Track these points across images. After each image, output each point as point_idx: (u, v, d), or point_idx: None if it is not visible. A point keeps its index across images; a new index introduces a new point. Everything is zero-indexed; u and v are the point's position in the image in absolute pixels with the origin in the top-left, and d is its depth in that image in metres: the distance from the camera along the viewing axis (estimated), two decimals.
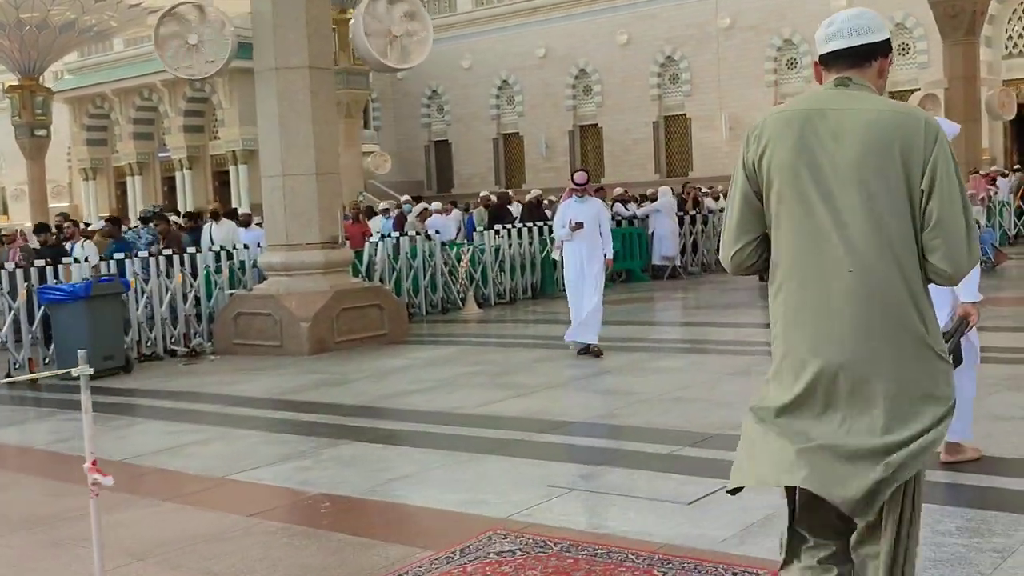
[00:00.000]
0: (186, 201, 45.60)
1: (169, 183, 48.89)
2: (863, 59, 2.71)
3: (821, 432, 2.53)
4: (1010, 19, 37.99)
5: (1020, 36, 37.96)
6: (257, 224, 16.00)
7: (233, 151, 51.94)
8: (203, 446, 7.26)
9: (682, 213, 20.14)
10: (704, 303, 15.77)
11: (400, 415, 7.89)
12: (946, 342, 3.90)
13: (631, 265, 19.16)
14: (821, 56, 2.77)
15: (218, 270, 13.01)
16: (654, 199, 20.16)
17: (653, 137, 46.48)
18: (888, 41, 2.74)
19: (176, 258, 12.43)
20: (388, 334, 12.21)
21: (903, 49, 40.24)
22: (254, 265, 13.17)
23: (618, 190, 21.68)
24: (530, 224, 17.43)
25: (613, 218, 19.29)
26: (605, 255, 10.52)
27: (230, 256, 13.34)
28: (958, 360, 4.76)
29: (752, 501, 4.58)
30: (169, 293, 12.27)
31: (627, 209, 19.96)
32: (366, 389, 9.15)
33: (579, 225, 10.23)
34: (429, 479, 5.94)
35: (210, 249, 13.63)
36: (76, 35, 33.74)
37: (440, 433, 7.16)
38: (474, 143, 52.23)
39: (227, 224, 15.70)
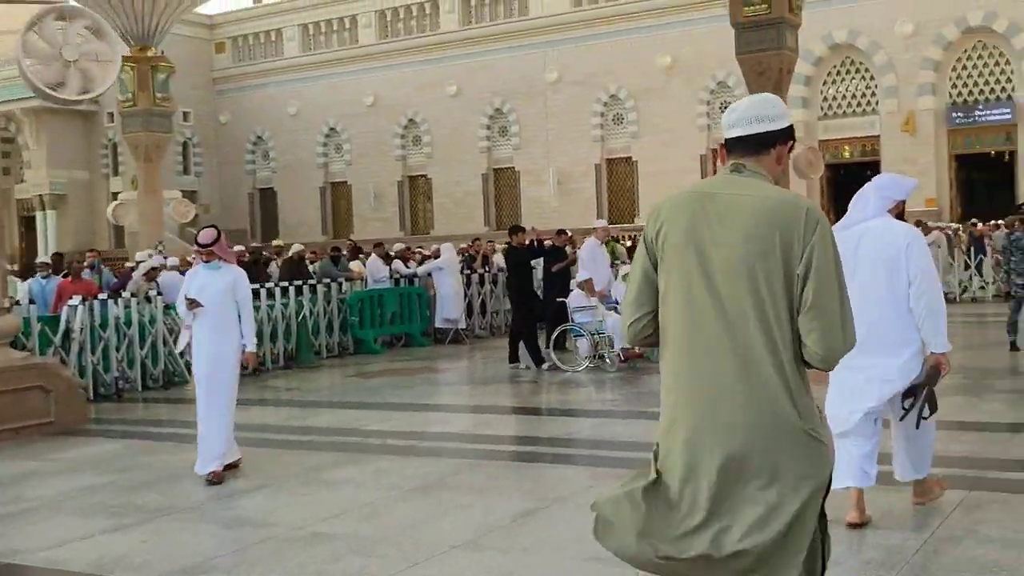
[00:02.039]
0: None
1: None
2: (761, 146, 2.85)
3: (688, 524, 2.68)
4: (825, 81, 38.36)
5: (834, 98, 38.35)
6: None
7: (40, 195, 48.52)
8: None
9: (469, 271, 18.53)
10: (464, 377, 14.08)
11: None
12: (920, 391, 4.93)
13: (410, 328, 17.42)
14: (725, 141, 2.90)
15: None
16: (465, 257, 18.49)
17: (483, 190, 45.23)
18: (789, 128, 2.90)
19: None
20: (55, 422, 10.00)
21: (724, 108, 40.16)
22: None
23: (398, 246, 19.97)
24: (287, 283, 15.51)
25: (391, 276, 17.54)
26: (244, 347, 7.73)
27: None
28: (933, 408, 5.24)
29: None
30: None
31: (407, 267, 18.24)
32: None
33: (194, 303, 7.55)
34: None
35: None
36: None
37: None
38: (301, 191, 50.05)
39: None
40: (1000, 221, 22.94)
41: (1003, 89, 35.83)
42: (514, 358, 13.74)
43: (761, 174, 2.82)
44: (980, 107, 36.04)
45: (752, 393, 2.65)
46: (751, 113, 2.84)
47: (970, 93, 36.38)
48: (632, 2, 41.27)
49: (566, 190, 42.63)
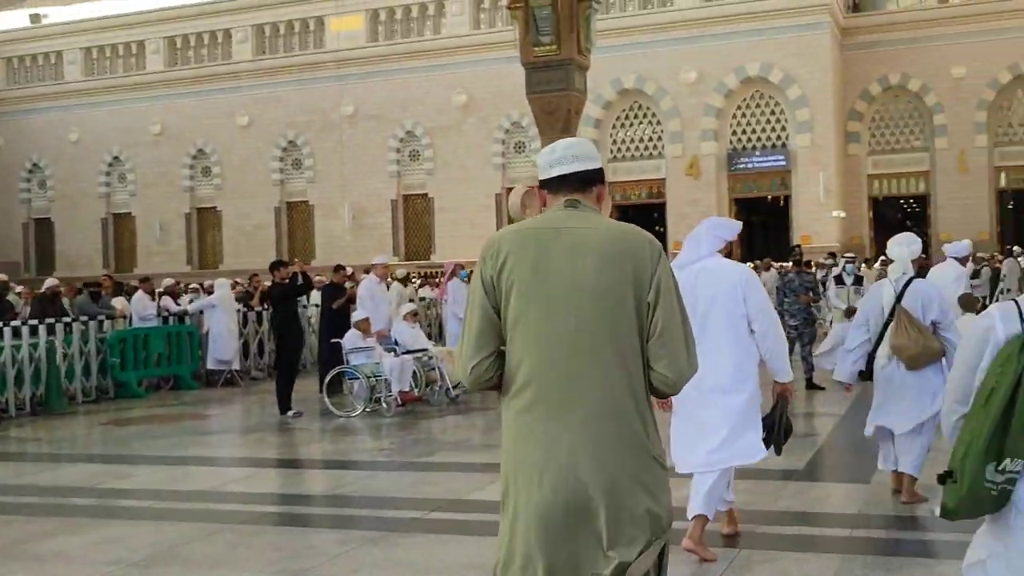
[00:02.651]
0: None
1: None
2: (585, 184, 2.89)
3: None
4: (614, 125, 39.37)
5: (623, 141, 39.39)
6: None
7: None
8: None
9: (245, 308, 17.59)
10: (230, 425, 13.10)
11: None
12: (776, 421, 5.55)
13: (179, 370, 16.30)
14: (545, 181, 2.91)
15: None
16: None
17: (275, 223, 43.95)
18: (602, 170, 2.96)
19: None
20: None
21: (519, 147, 40.59)
22: None
23: (167, 281, 18.80)
24: (37, 322, 14.20)
25: (159, 313, 16.41)
26: None
27: None
28: (788, 433, 5.58)
29: None
30: None
31: (177, 303, 17.13)
32: None
33: None
34: None
35: None
36: None
37: None
38: (80, 222, 47.30)
39: None
40: (774, 263, 23.80)
41: (778, 137, 37.72)
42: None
43: (595, 209, 2.88)
44: (758, 153, 37.79)
45: (613, 425, 2.67)
46: (571, 152, 2.90)
47: (748, 140, 38.10)
48: (428, 39, 41.27)
49: (361, 225, 41.96)
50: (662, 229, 38.83)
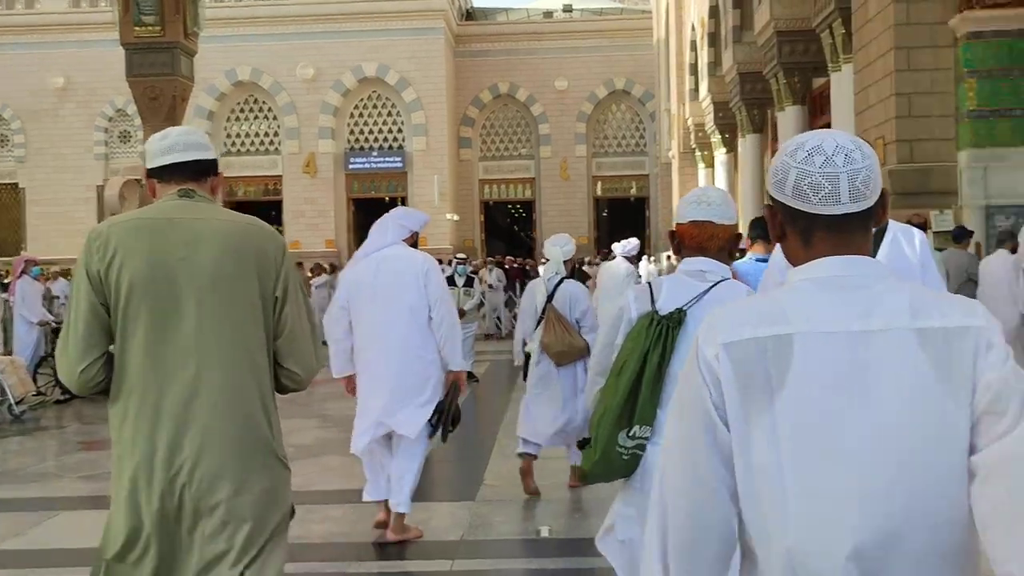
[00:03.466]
0: None
1: None
2: (200, 174, 2.74)
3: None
4: (228, 118, 38.04)
5: (239, 135, 38.16)
6: None
7: None
8: None
9: None
10: None
11: None
12: (446, 408, 5.53)
13: None
14: (155, 169, 2.76)
15: None
16: None
17: None
18: (216, 161, 2.84)
19: None
20: None
21: (124, 137, 38.14)
22: None
23: None
24: None
25: None
26: None
27: None
28: (457, 422, 5.63)
29: None
30: None
31: None
32: None
33: None
34: None
35: None
36: None
37: None
38: None
39: None
40: None
41: (395, 139, 38.19)
42: None
43: (211, 200, 2.75)
44: (375, 154, 38.03)
45: (237, 424, 2.56)
46: (185, 140, 2.76)
47: (366, 140, 38.26)
48: (20, 13, 37.57)
49: None
50: (279, 227, 38.01)
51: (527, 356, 6.70)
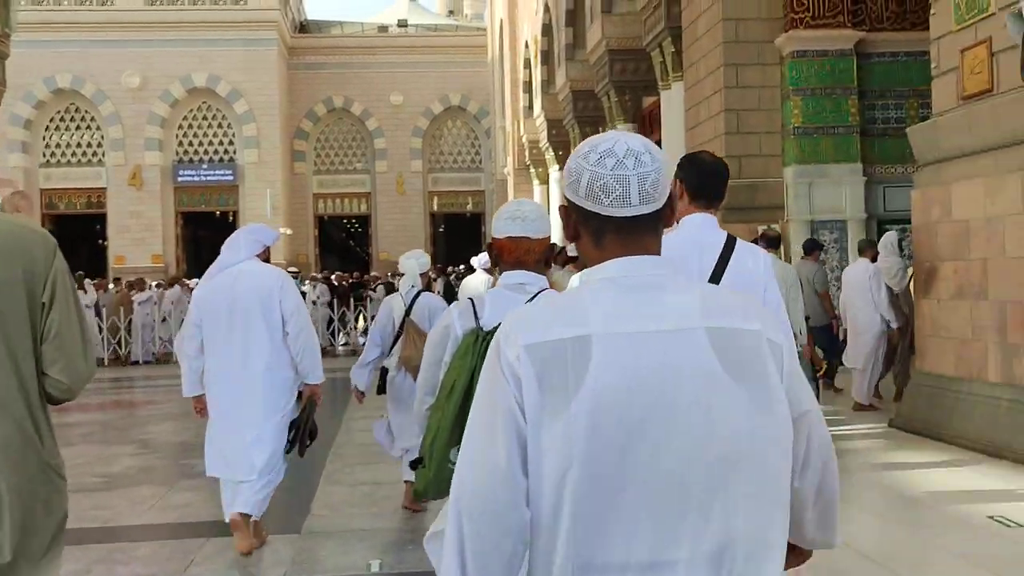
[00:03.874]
0: None
1: None
2: None
3: None
4: (48, 127, 36.22)
5: (59, 145, 36.39)
6: None
7: None
8: None
9: None
10: None
11: None
12: (302, 423, 5.50)
13: None
14: None
15: None
16: None
17: None
18: None
19: None
20: None
21: None
22: None
23: None
24: None
25: None
26: None
27: None
28: (314, 437, 5.63)
29: None
30: None
31: None
32: None
33: None
34: None
35: None
36: None
37: None
38: None
39: None
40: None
41: (226, 151, 37.15)
42: None
43: None
44: (205, 166, 36.90)
45: (8, 433, 2.44)
46: None
47: (196, 152, 37.08)
48: None
49: None
50: (104, 241, 36.35)
51: (384, 371, 6.55)
